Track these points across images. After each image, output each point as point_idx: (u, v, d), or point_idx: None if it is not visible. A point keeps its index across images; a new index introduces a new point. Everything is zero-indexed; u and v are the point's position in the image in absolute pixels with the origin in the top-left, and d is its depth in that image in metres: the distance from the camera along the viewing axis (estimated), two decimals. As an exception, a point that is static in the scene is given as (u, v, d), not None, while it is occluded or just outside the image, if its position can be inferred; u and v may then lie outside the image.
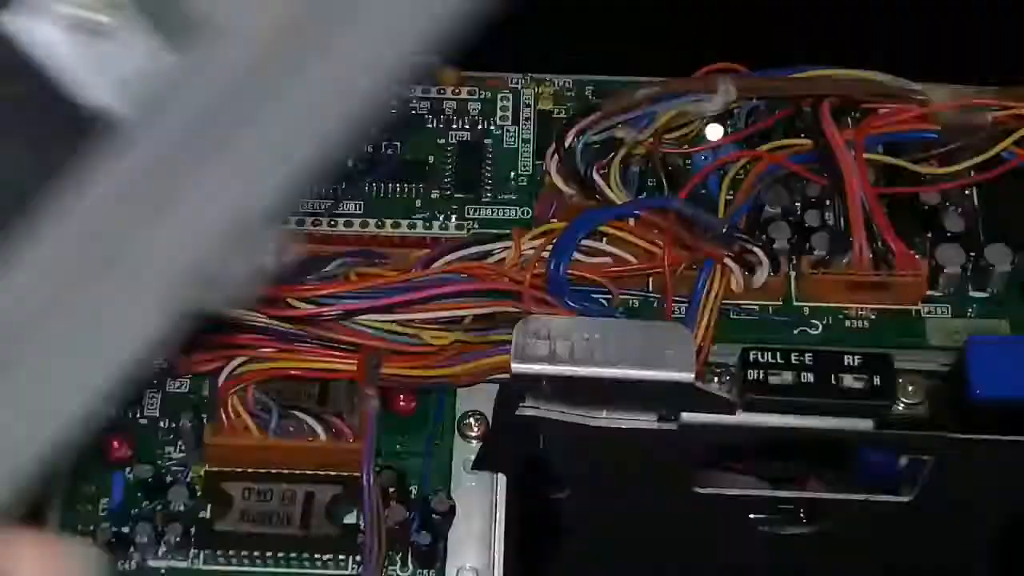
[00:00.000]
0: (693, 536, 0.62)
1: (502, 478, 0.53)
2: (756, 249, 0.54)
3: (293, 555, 0.51)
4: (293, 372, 0.52)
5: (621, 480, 0.59)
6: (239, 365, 0.52)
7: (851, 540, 0.62)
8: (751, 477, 0.63)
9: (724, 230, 0.54)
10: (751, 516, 0.62)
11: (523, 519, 0.54)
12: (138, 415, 0.54)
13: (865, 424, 0.54)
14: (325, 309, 0.51)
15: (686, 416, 0.55)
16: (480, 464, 0.54)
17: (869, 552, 0.63)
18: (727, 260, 0.54)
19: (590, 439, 0.56)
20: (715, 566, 0.64)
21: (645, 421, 0.55)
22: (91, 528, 0.51)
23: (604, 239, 0.55)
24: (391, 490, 0.51)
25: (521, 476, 0.53)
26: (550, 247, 0.54)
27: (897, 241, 0.55)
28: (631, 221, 0.55)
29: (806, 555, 0.63)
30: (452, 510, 0.51)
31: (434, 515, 0.51)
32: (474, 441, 0.54)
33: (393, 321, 0.51)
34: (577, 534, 0.62)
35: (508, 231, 0.55)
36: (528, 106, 0.61)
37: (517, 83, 0.62)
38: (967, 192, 0.58)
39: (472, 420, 0.54)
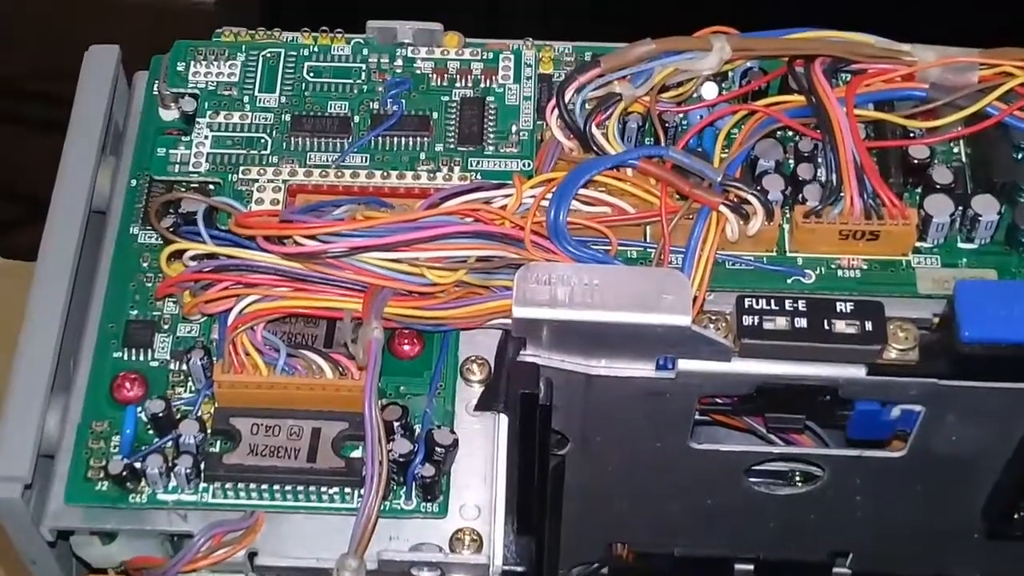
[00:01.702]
0: (690, 494, 0.64)
1: (503, 418, 0.55)
2: (751, 196, 0.56)
3: (300, 488, 0.52)
4: (301, 310, 0.54)
5: (620, 434, 0.60)
6: (248, 304, 0.53)
7: (845, 498, 0.64)
8: (746, 434, 0.65)
9: (719, 179, 0.56)
10: (746, 473, 0.63)
11: (524, 466, 0.55)
12: (149, 359, 0.56)
13: (857, 371, 0.56)
14: (331, 246, 0.52)
15: (683, 364, 0.56)
16: (483, 405, 0.55)
17: (863, 510, 0.64)
18: (722, 207, 0.56)
19: (589, 392, 0.57)
20: (710, 519, 0.65)
21: (643, 369, 0.57)
22: (103, 462, 0.53)
23: (603, 190, 0.57)
24: (396, 424, 0.52)
25: (523, 419, 0.55)
26: (550, 195, 0.56)
27: (887, 191, 0.57)
28: (629, 172, 0.57)
29: (799, 510, 0.65)
30: (455, 444, 0.53)
31: (437, 448, 0.52)
32: (476, 385, 0.56)
33: (397, 260, 0.53)
34: (577, 490, 0.63)
35: (510, 180, 0.57)
36: (529, 66, 0.63)
37: (518, 47, 0.64)
38: (955, 147, 0.60)
39: (475, 365, 0.56)
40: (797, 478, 0.65)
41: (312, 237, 0.53)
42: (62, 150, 0.61)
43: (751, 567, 0.68)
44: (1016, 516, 0.63)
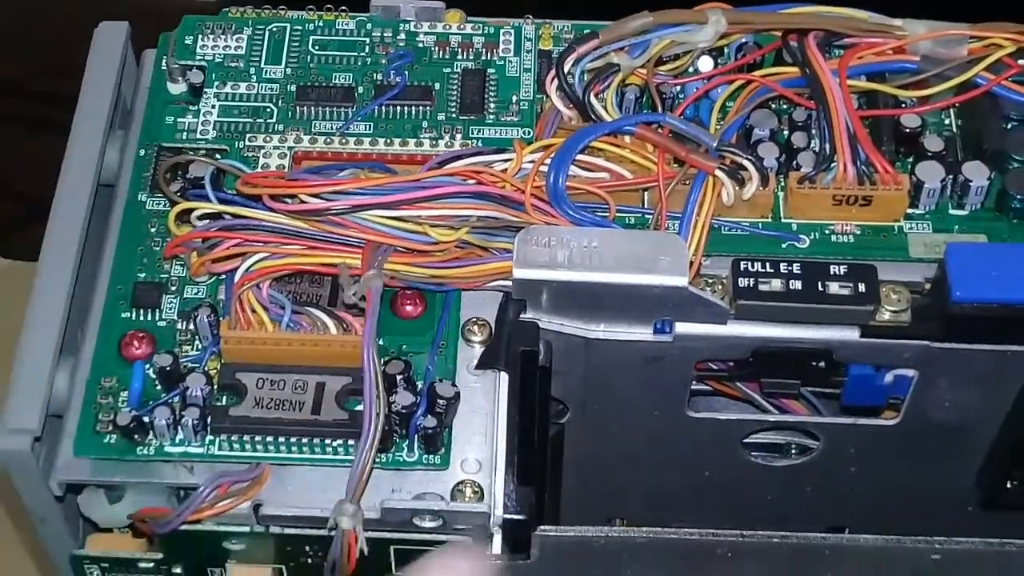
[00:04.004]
0: (687, 466, 0.65)
1: (504, 376, 0.56)
2: (746, 161, 0.57)
3: (304, 440, 0.53)
4: (306, 267, 0.55)
5: (618, 401, 0.61)
6: (255, 262, 0.54)
7: (840, 469, 0.64)
8: (743, 405, 0.65)
9: (715, 144, 0.57)
10: (743, 444, 0.64)
11: (525, 421, 0.56)
12: (157, 319, 0.57)
13: (851, 333, 0.57)
14: (335, 203, 0.53)
15: (680, 327, 0.57)
16: (483, 364, 0.56)
17: (858, 481, 0.65)
18: (718, 172, 0.57)
19: (588, 357, 0.58)
20: (707, 492, 0.66)
21: (641, 333, 0.58)
22: (111, 416, 0.54)
23: (601, 156, 0.58)
24: (398, 377, 0.53)
25: (523, 376, 0.56)
26: (549, 160, 0.57)
27: (880, 158, 0.58)
28: (627, 138, 0.58)
29: (795, 481, 0.65)
30: (457, 396, 0.53)
31: (439, 400, 0.53)
32: (477, 346, 0.57)
33: (400, 218, 0.54)
34: (576, 461, 0.64)
35: (510, 146, 0.58)
36: (529, 40, 0.64)
37: (519, 23, 0.65)
38: (945, 117, 0.62)
39: (476, 326, 0.57)
40: (793, 449, 0.66)
41: (317, 195, 0.54)
42: (65, 141, 0.62)
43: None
44: (1009, 485, 0.64)
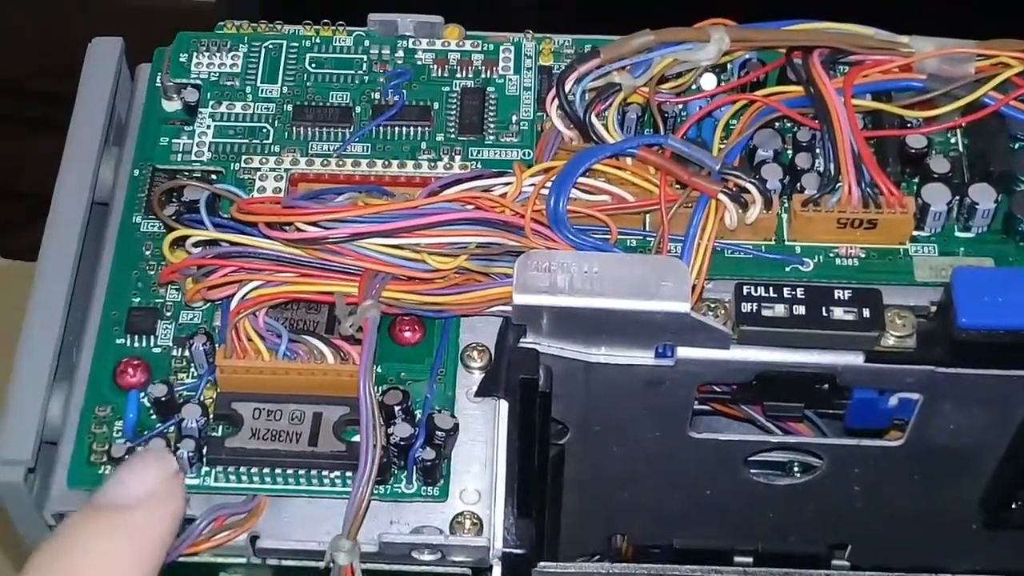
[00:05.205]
0: (689, 485, 0.64)
1: (504, 404, 0.55)
2: (749, 184, 0.56)
3: (301, 472, 0.52)
4: (303, 296, 0.54)
5: (619, 423, 0.60)
6: (251, 290, 0.54)
7: (843, 489, 0.64)
8: (746, 424, 0.65)
9: (718, 167, 0.56)
10: (746, 463, 0.63)
11: (524, 450, 0.55)
12: (152, 345, 0.56)
13: (855, 358, 0.56)
14: (332, 232, 0.53)
15: (682, 351, 0.56)
16: (483, 391, 0.55)
17: (861, 501, 0.65)
18: (721, 195, 0.56)
19: (589, 381, 0.58)
20: (709, 510, 0.65)
21: (642, 357, 0.57)
22: (105, 446, 0.53)
23: (602, 178, 0.57)
24: (396, 408, 0.53)
25: (523, 404, 0.55)
26: (549, 184, 0.56)
27: (885, 180, 0.57)
28: (628, 160, 0.57)
29: (798, 500, 0.65)
30: (456, 428, 0.53)
31: (438, 431, 0.52)
32: (477, 372, 0.56)
33: (398, 246, 0.53)
34: (576, 480, 0.63)
35: (510, 168, 0.57)
36: (529, 57, 0.63)
37: (519, 39, 0.64)
38: (952, 137, 0.61)
39: (475, 352, 0.56)
40: (796, 469, 0.66)
41: (314, 223, 0.53)
42: (65, 142, 0.61)
43: (750, 559, 0.69)
44: (1014, 506, 0.64)
